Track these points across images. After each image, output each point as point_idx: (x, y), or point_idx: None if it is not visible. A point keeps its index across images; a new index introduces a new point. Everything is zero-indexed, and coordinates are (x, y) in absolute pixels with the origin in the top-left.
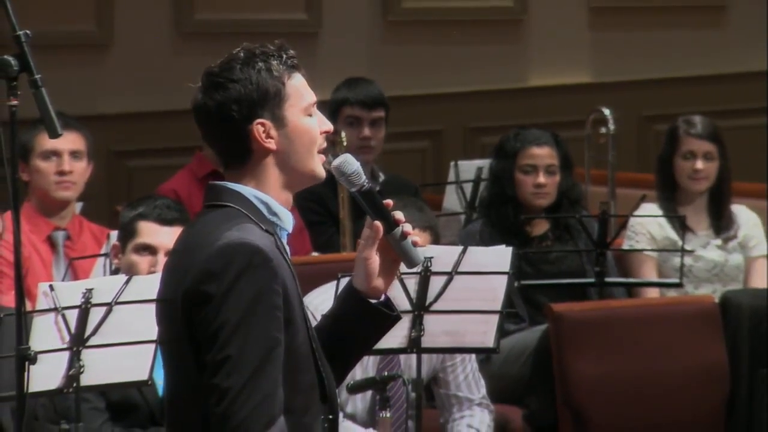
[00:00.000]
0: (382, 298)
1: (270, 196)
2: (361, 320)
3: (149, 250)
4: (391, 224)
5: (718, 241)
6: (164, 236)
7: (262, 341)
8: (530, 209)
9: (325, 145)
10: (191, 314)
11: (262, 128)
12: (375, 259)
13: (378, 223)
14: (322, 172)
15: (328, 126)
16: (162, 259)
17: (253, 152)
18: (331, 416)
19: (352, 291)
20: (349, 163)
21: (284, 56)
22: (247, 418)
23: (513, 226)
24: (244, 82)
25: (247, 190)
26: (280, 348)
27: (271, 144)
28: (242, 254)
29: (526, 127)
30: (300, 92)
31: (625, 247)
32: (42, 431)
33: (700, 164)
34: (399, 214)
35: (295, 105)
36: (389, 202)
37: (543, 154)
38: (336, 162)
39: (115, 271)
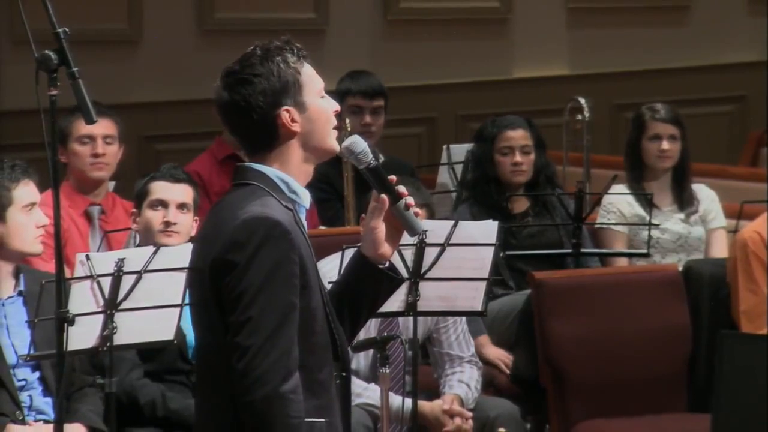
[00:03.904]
0: (387, 263)
1: (291, 176)
2: (370, 283)
3: (162, 204)
4: (395, 197)
5: (682, 215)
6: (174, 191)
7: (279, 305)
8: (510, 186)
9: (336, 123)
10: (218, 280)
11: (287, 114)
12: (381, 229)
13: (384, 196)
14: (337, 146)
15: (336, 106)
16: (173, 212)
17: (280, 137)
18: (343, 373)
19: (361, 257)
20: (358, 143)
21: (294, 49)
22: (266, 372)
23: (496, 204)
24: (266, 75)
25: (270, 170)
26: (295, 311)
27: (297, 127)
28: (264, 227)
29: (502, 114)
30: (312, 79)
31: (599, 223)
32: (79, 382)
33: (666, 145)
34: (402, 188)
35: (311, 90)
36: (393, 177)
37: (517, 136)
38: (346, 143)
39: (141, 236)
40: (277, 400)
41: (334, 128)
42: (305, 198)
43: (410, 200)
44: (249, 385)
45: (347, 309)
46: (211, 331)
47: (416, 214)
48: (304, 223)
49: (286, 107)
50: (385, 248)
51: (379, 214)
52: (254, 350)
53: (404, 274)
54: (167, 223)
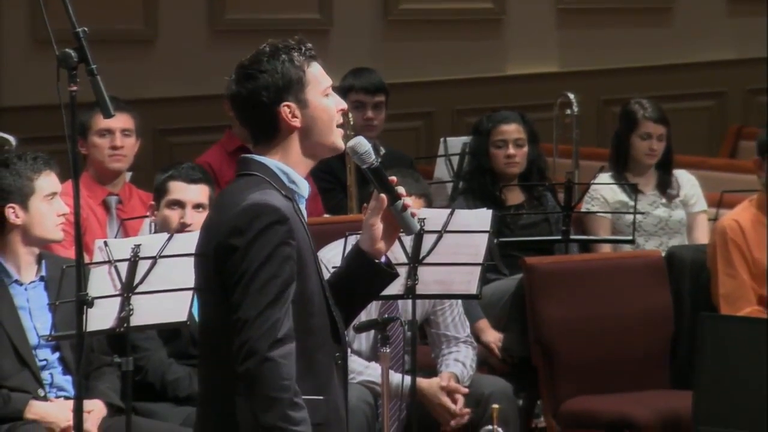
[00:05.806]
0: (383, 258)
1: (290, 167)
2: (365, 275)
3: (179, 204)
4: (394, 197)
5: (663, 200)
6: (191, 192)
7: (275, 283)
8: (504, 177)
9: (342, 121)
10: (222, 264)
11: (288, 110)
12: (379, 226)
13: (383, 195)
14: (341, 144)
15: (343, 105)
16: (190, 212)
17: (280, 130)
18: (337, 353)
19: (359, 251)
20: (362, 144)
21: (303, 48)
22: (256, 341)
23: (491, 195)
24: (271, 72)
25: (271, 162)
26: (289, 289)
27: (297, 122)
28: (264, 213)
29: (495, 109)
30: (318, 78)
31: (583, 209)
32: (97, 362)
33: (655, 144)
34: (401, 189)
35: (314, 88)
36: (393, 178)
37: (511, 130)
38: (351, 143)
39: (158, 230)
40: (267, 363)
41: (340, 126)
42: (304, 188)
43: (408, 201)
44: (243, 355)
45: (344, 297)
46: (216, 312)
47: (413, 215)
48: (304, 212)
49: (287, 103)
50: (381, 245)
51: (378, 212)
52: (249, 323)
53: (404, 259)
54: (183, 224)
